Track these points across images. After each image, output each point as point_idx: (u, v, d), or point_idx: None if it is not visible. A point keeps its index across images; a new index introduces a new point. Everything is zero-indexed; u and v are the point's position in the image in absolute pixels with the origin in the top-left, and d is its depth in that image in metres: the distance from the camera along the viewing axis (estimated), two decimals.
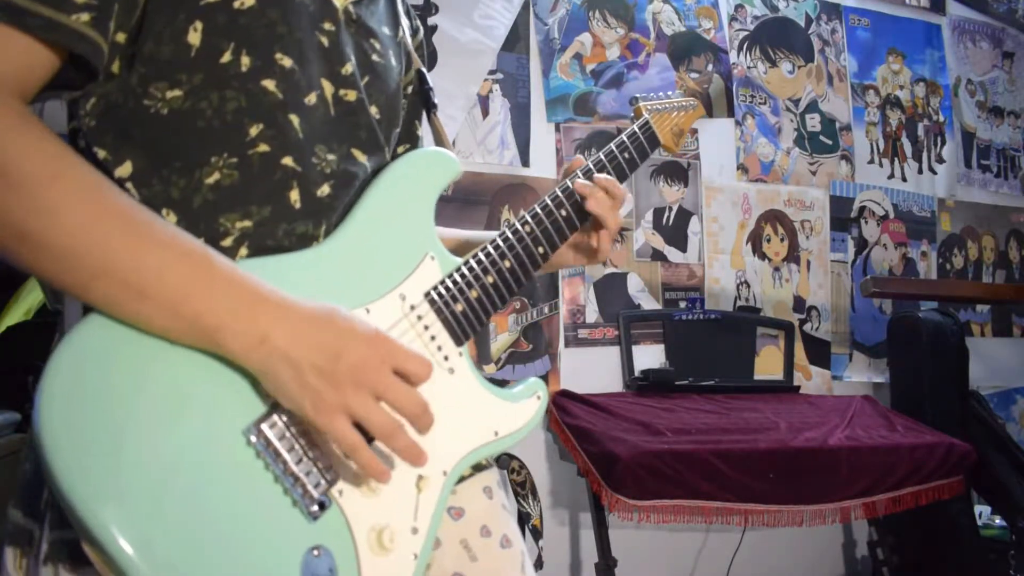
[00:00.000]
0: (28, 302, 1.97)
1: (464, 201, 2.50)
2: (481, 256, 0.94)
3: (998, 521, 2.81)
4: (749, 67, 2.99)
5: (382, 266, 0.88)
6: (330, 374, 0.73)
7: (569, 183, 1.03)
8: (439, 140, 1.09)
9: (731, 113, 2.94)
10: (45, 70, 0.75)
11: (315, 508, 0.77)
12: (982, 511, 2.86)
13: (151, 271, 0.71)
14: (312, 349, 0.73)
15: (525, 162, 2.61)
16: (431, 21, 2.50)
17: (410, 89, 1.08)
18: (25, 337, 1.91)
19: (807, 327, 2.99)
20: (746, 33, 3.00)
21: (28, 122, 0.71)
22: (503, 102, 2.60)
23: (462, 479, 0.98)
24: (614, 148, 1.08)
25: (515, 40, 2.63)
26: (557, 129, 2.66)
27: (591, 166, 1.06)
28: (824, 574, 2.95)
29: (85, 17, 0.74)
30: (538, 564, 2.15)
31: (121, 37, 0.78)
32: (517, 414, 0.94)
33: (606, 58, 2.75)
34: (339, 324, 0.76)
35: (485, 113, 2.57)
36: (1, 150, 0.68)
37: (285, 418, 0.77)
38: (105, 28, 0.76)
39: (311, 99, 0.87)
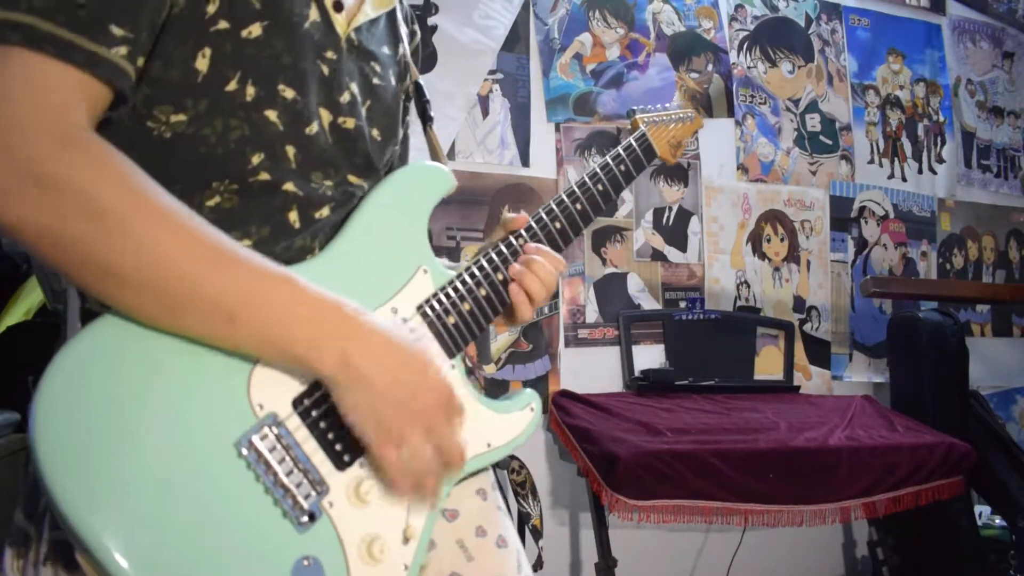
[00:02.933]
0: (28, 302, 1.97)
1: (464, 201, 2.50)
2: (475, 269, 0.95)
3: (998, 521, 2.80)
4: (749, 67, 2.99)
5: (375, 279, 0.89)
6: (401, 409, 0.77)
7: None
8: (434, 154, 1.10)
9: (731, 113, 2.94)
10: (104, 101, 0.75)
11: (305, 519, 0.77)
12: (982, 511, 2.86)
13: (239, 298, 0.73)
14: (392, 381, 0.77)
15: (525, 162, 2.61)
16: (431, 21, 2.50)
17: (403, 97, 1.08)
18: (25, 337, 1.91)
19: (807, 327, 2.99)
20: (746, 33, 3.00)
21: (111, 156, 0.72)
22: (503, 102, 2.60)
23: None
24: (610, 160, 1.09)
25: (515, 40, 2.63)
26: (557, 129, 2.66)
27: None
28: (824, 574, 2.95)
29: (123, 51, 0.75)
30: (538, 564, 2.15)
31: (141, 62, 0.79)
32: (510, 426, 0.95)
33: (606, 58, 2.75)
34: (421, 362, 0.80)
35: (485, 113, 2.57)
36: (91, 190, 0.70)
37: (276, 431, 0.78)
38: (135, 60, 0.77)
39: (312, 128, 0.88)
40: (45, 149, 0.69)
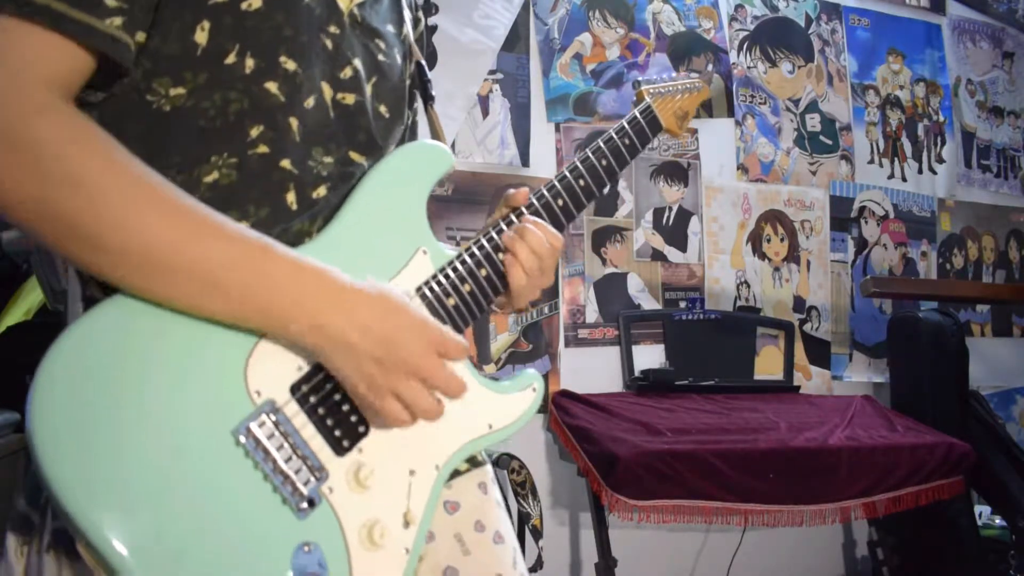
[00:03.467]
0: (28, 302, 1.97)
1: (464, 201, 2.50)
2: (475, 249, 0.94)
3: (998, 521, 2.80)
4: (749, 67, 2.99)
5: (374, 260, 0.88)
6: (384, 362, 0.78)
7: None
8: (434, 133, 1.08)
9: (731, 113, 2.94)
10: (85, 74, 0.76)
11: (304, 505, 0.78)
12: (982, 511, 2.86)
13: (220, 265, 0.74)
14: (367, 338, 0.77)
15: (525, 162, 2.61)
16: (431, 21, 2.50)
17: (408, 82, 1.07)
18: (25, 337, 1.91)
19: (807, 327, 2.99)
20: (746, 33, 3.00)
21: (87, 126, 0.74)
22: (503, 102, 2.60)
23: (458, 474, 0.99)
24: (613, 134, 1.06)
25: (515, 40, 2.63)
26: (557, 129, 2.66)
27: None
28: (824, 574, 2.95)
29: (117, 21, 0.75)
30: (538, 564, 2.15)
31: (141, 36, 0.79)
32: (511, 406, 0.93)
33: (606, 58, 2.76)
34: (393, 311, 0.80)
35: (485, 113, 2.57)
36: (66, 156, 0.71)
37: (274, 418, 0.78)
38: (132, 30, 0.77)
39: (310, 102, 0.87)
40: (21, 114, 0.70)
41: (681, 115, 1.17)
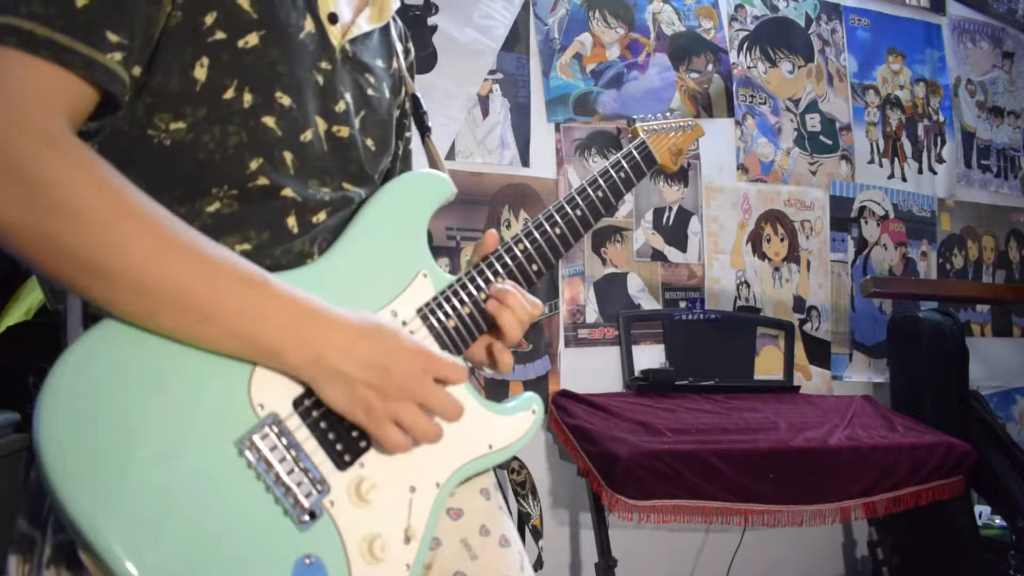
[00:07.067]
0: (28, 302, 1.97)
1: (464, 201, 2.50)
2: (475, 274, 0.97)
3: (998, 521, 2.80)
4: (749, 67, 2.99)
5: (375, 283, 0.90)
6: (380, 387, 0.79)
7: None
8: (433, 162, 1.12)
9: (731, 113, 2.94)
10: (89, 105, 0.77)
11: (306, 517, 0.78)
12: (982, 511, 2.86)
13: (215, 298, 0.75)
14: (363, 365, 0.79)
15: (525, 162, 2.61)
16: (431, 21, 2.50)
17: (398, 112, 1.10)
18: (25, 337, 1.91)
19: (807, 327, 2.99)
20: (746, 33, 3.00)
21: (93, 159, 0.74)
22: (503, 102, 2.60)
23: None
24: (609, 167, 1.11)
25: (515, 40, 2.63)
26: (557, 129, 2.66)
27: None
28: (824, 574, 2.95)
29: (118, 56, 0.77)
30: (538, 564, 2.15)
31: (137, 71, 0.80)
32: (512, 428, 0.96)
33: (606, 58, 2.75)
34: (386, 339, 0.82)
35: (485, 113, 2.57)
36: (71, 189, 0.71)
37: (276, 430, 0.79)
38: (130, 66, 0.78)
39: (307, 136, 0.90)
40: (33, 149, 0.71)
41: (675, 151, 1.21)
